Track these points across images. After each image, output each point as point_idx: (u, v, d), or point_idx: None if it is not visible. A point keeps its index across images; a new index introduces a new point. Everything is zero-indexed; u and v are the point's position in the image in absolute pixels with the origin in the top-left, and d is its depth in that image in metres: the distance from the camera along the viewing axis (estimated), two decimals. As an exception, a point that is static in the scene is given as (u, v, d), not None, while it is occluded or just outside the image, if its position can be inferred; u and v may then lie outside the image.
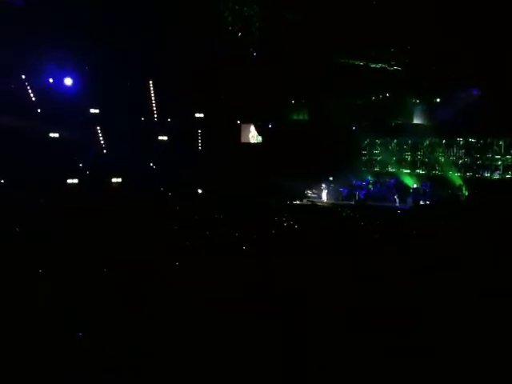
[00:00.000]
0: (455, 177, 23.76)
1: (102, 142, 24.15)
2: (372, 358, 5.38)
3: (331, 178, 25.39)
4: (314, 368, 5.33)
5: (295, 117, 27.41)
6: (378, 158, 27.79)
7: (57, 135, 22.90)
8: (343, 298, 7.08)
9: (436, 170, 25.15)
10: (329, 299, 7.02)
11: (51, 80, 22.21)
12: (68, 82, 22.26)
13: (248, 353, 5.60)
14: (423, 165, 25.78)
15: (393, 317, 6.34)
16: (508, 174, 22.30)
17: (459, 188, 22.93)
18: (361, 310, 6.59)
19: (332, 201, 23.94)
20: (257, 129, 27.10)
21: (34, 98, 22.25)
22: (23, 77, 21.84)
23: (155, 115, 25.07)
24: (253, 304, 6.98)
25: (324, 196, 24.57)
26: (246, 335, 6.01)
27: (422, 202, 22.39)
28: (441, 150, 25.08)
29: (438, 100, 24.96)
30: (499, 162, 22.71)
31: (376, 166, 27.77)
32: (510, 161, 22.36)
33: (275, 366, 5.37)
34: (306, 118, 27.34)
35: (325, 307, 6.74)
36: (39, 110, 22.43)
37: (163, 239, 11.51)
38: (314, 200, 23.72)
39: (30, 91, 22.12)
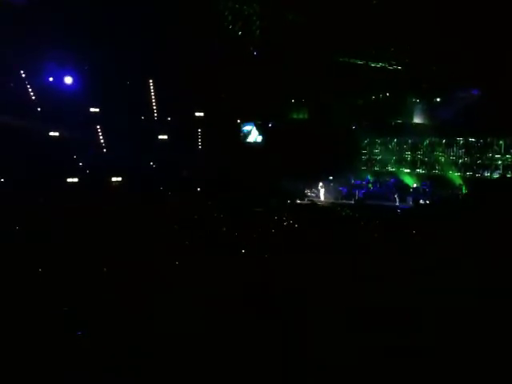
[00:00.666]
0: (455, 176, 23.78)
1: (102, 141, 24.14)
2: (372, 358, 5.39)
3: (331, 178, 25.40)
4: (314, 368, 5.34)
5: (295, 116, 27.42)
6: (378, 158, 27.82)
7: (57, 134, 22.89)
8: (343, 297, 7.08)
9: (436, 169, 25.18)
10: (329, 299, 7.02)
11: (51, 79, 22.19)
12: (68, 81, 22.26)
13: (248, 353, 5.60)
14: (423, 164, 25.81)
15: (393, 317, 6.35)
16: (508, 174, 22.32)
17: (459, 187, 22.95)
18: (361, 310, 6.59)
19: (332, 200, 23.94)
20: (257, 128, 27.11)
21: (34, 97, 22.24)
22: (23, 76, 21.83)
23: (155, 114, 25.06)
24: (253, 304, 6.98)
25: (324, 195, 24.56)
26: (245, 335, 6.01)
27: (421, 202, 22.38)
28: (441, 150, 25.11)
29: (438, 100, 24.99)
30: (499, 162, 22.73)
31: (376, 166, 27.81)
32: (509, 160, 22.38)
33: (275, 366, 5.38)
34: (306, 117, 27.36)
35: (325, 307, 6.74)
36: (39, 109, 22.42)
37: (163, 239, 11.52)
38: (314, 199, 23.72)
39: (30, 90, 22.11)
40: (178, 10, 18.20)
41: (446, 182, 23.70)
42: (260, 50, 20.94)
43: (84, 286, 7.90)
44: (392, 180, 25.57)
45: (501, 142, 22.73)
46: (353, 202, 23.59)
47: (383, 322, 6.24)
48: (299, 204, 22.55)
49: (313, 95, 25.47)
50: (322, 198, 24.43)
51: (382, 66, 22.48)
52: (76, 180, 22.55)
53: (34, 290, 7.67)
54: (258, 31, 18.94)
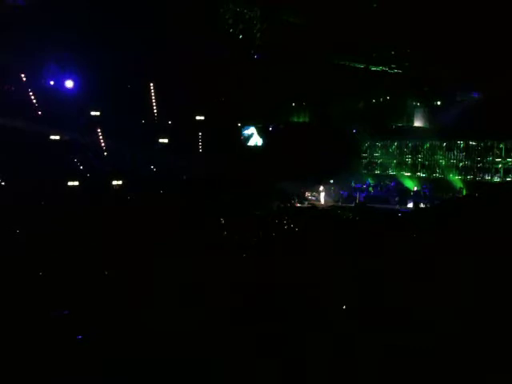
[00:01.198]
0: (456, 179, 23.82)
1: (103, 144, 24.18)
2: (372, 358, 5.39)
3: (332, 181, 25.43)
4: (313, 368, 5.34)
5: (296, 119, 27.48)
6: (379, 161, 27.86)
7: (57, 137, 22.91)
8: (342, 298, 7.09)
9: (436, 172, 25.20)
10: (328, 300, 7.03)
11: (52, 82, 22.21)
12: (69, 84, 22.27)
13: (247, 353, 5.61)
14: (424, 167, 25.84)
15: (392, 317, 6.35)
16: (508, 177, 22.34)
17: (460, 191, 22.99)
18: (360, 310, 6.60)
19: (332, 203, 23.96)
20: (257, 131, 27.16)
21: (34, 100, 22.29)
22: (24, 79, 21.87)
23: (156, 117, 25.09)
24: (252, 306, 6.98)
25: (324, 198, 24.58)
26: (245, 335, 6.01)
27: (422, 205, 22.41)
28: (441, 153, 25.14)
29: (439, 103, 25.04)
30: (499, 165, 22.75)
31: (376, 169, 27.85)
32: (510, 164, 22.41)
33: (274, 366, 5.38)
34: (307, 120, 27.41)
35: (324, 307, 6.75)
36: (40, 113, 22.46)
37: (163, 241, 11.52)
38: (315, 202, 23.74)
39: (30, 93, 22.15)
40: (179, 13, 18.23)
41: (446, 186, 23.74)
42: (261, 52, 20.98)
43: (85, 289, 7.90)
44: (393, 183, 25.63)
45: (501, 145, 22.77)
46: (353, 205, 23.59)
47: (382, 322, 6.25)
48: (300, 207, 22.56)
49: (313, 98, 25.53)
50: (323, 201, 24.45)
51: (382, 70, 22.51)
52: (77, 183, 22.55)
53: (35, 292, 7.67)
54: (258, 34, 18.97)
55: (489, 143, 23.21)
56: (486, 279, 7.77)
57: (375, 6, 17.78)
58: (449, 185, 23.84)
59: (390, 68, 22.22)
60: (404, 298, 7.10)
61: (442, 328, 6.02)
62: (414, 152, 26.36)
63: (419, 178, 25.52)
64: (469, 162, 23.90)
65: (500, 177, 22.64)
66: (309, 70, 21.39)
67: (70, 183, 22.34)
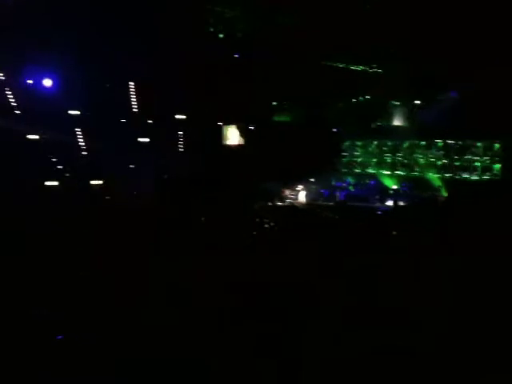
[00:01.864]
0: (434, 178, 24.13)
1: (83, 143, 23.92)
2: (371, 358, 5.42)
3: (312, 180, 25.52)
4: (312, 368, 5.37)
5: (277, 119, 27.50)
6: (359, 160, 28.05)
7: (36, 137, 22.60)
8: (339, 298, 7.13)
9: (415, 171, 25.49)
10: (325, 299, 7.07)
11: (31, 81, 21.91)
12: (48, 82, 21.98)
13: (243, 353, 5.61)
14: (403, 166, 26.10)
15: (391, 317, 6.40)
16: (486, 175, 22.73)
17: (438, 189, 23.32)
18: (357, 310, 6.64)
19: (312, 202, 24.05)
20: (239, 130, 27.11)
21: (12, 99, 21.96)
22: (2, 78, 21.54)
23: (136, 117, 24.89)
24: (248, 304, 7.00)
25: (304, 197, 24.65)
26: (243, 336, 6.02)
27: (401, 203, 22.67)
28: (420, 152, 25.42)
29: (418, 102, 25.30)
30: (477, 164, 23.11)
31: (356, 168, 28.04)
32: (487, 162, 22.78)
33: (272, 367, 5.39)
34: (288, 120, 27.45)
35: (321, 307, 6.79)
36: (18, 112, 22.13)
37: (147, 242, 11.48)
38: (295, 201, 23.81)
39: (8, 92, 21.82)
40: (162, 12, 18.13)
41: (425, 184, 24.04)
42: (243, 52, 20.98)
43: (66, 289, 7.84)
44: (372, 182, 25.84)
45: (479, 144, 23.11)
46: (333, 203, 23.73)
47: (378, 322, 6.30)
48: (280, 206, 22.61)
49: (294, 98, 25.59)
50: (303, 199, 24.52)
51: (362, 69, 22.67)
52: (56, 183, 22.27)
53: (14, 293, 7.59)
54: (241, 33, 18.96)
55: (467, 142, 23.54)
56: (473, 277, 7.89)
57: (368, 7, 17.85)
58: (427, 183, 24.13)
59: (371, 68, 22.38)
60: (397, 297, 7.18)
61: (437, 327, 6.09)
62: (394, 151, 26.60)
63: (398, 176, 25.77)
64: (447, 161, 24.22)
65: (478, 175, 23.01)
66: (290, 70, 21.44)
67: (47, 183, 22.05)
